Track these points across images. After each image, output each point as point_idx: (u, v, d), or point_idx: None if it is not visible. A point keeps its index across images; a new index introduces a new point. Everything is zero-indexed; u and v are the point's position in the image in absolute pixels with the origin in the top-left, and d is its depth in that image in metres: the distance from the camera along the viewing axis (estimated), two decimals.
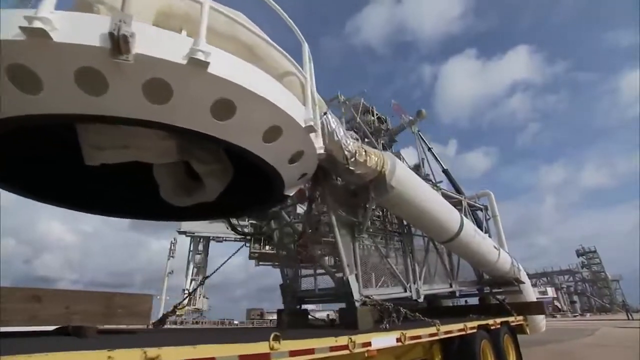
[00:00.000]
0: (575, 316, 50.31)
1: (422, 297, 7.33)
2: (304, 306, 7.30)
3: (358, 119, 10.35)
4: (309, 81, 4.57)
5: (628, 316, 36.10)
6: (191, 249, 42.39)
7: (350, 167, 5.61)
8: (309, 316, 7.44)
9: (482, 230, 11.07)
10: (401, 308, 5.72)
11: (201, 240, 43.07)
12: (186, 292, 40.93)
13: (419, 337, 5.18)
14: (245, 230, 8.11)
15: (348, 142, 5.58)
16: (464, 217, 7.65)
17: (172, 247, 42.77)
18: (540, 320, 10.04)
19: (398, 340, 4.76)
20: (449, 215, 7.13)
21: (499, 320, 7.59)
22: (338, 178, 6.44)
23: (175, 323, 33.61)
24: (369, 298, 5.69)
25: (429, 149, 49.51)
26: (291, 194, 5.59)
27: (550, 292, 59.43)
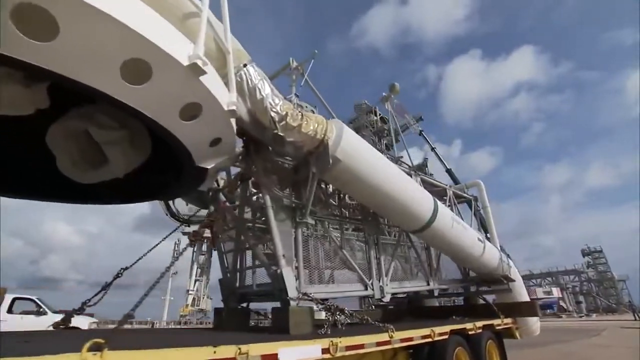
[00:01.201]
0: (581, 316, 48.00)
1: (387, 296, 5.96)
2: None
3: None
4: (205, 11, 3.35)
5: (635, 317, 33.87)
6: (195, 249, 41.40)
7: (280, 133, 4.34)
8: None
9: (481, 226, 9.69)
10: (347, 309, 4.39)
11: (205, 241, 42.08)
12: (190, 293, 40.09)
13: (359, 346, 3.85)
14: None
15: (275, 101, 4.30)
16: (439, 203, 6.26)
17: (176, 247, 41.86)
18: (534, 322, 8.56)
19: (325, 351, 3.44)
20: (418, 199, 5.79)
21: (480, 323, 6.19)
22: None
23: (179, 323, 32.67)
24: (308, 296, 4.36)
25: (432, 149, 47.42)
26: (209, 167, 4.31)
27: (556, 292, 57.02)
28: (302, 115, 4.53)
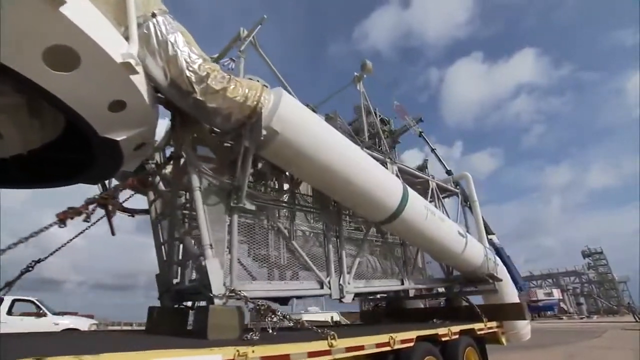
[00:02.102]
0: (581, 318, 46.44)
1: (348, 296, 5.04)
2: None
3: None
4: None
5: (636, 318, 32.43)
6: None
7: (200, 98, 3.46)
8: None
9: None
10: (280, 311, 3.50)
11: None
12: None
13: (283, 357, 2.93)
14: None
15: (193, 58, 3.43)
16: (410, 190, 5.34)
17: None
18: (523, 326, 7.57)
19: None
20: (383, 184, 4.88)
21: (456, 328, 5.24)
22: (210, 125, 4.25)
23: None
24: (237, 293, 3.49)
25: (432, 150, 46.17)
26: (119, 139, 3.48)
27: (556, 293, 55.51)
28: (229, 78, 3.65)
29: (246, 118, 3.79)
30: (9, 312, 10.17)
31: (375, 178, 4.79)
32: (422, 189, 7.96)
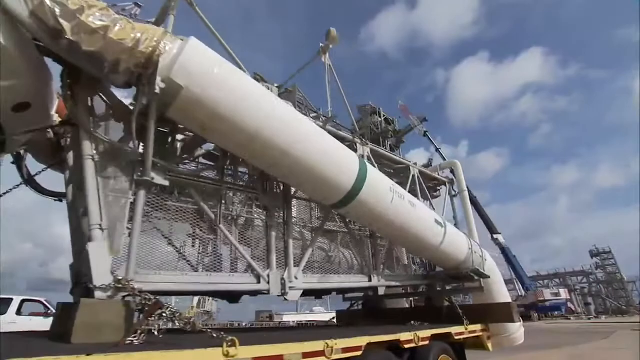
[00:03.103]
0: (589, 318, 44.49)
1: (294, 292, 4.16)
2: None
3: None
4: None
5: None
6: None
7: (72, 38, 2.62)
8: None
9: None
10: (172, 308, 2.63)
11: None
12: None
13: None
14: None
15: None
16: (370, 167, 4.43)
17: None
18: (515, 329, 6.53)
19: None
20: (331, 158, 3.97)
21: (426, 333, 4.29)
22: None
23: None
24: (124, 285, 2.64)
25: (437, 150, 44.79)
26: None
27: (564, 293, 53.39)
28: (116, 17, 2.80)
29: (141, 68, 2.93)
30: (18, 312, 10.26)
31: (322, 151, 3.89)
32: (406, 177, 7.04)
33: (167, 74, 2.86)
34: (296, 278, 4.31)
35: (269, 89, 4.67)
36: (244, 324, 41.15)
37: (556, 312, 46.52)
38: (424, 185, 7.29)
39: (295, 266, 4.35)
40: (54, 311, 10.08)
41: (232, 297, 4.98)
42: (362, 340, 3.45)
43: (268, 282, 3.99)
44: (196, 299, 41.07)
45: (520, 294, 47.72)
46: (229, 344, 2.45)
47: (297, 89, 5.50)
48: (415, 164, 7.26)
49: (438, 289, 6.53)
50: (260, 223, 5.30)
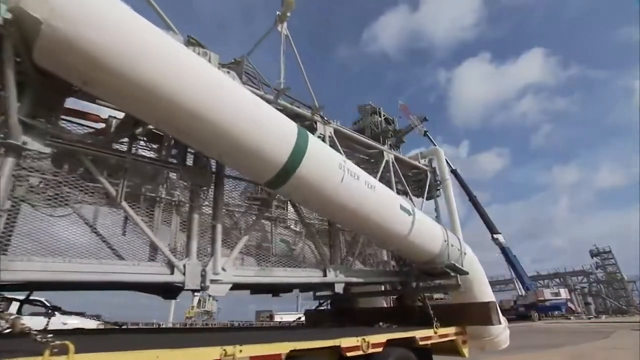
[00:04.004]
0: (589, 318, 43.18)
1: (220, 287, 3.33)
2: None
3: None
4: None
5: None
6: None
7: None
8: None
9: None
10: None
11: None
12: (196, 295, 37.97)
13: None
14: None
15: None
16: (313, 138, 3.60)
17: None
18: (499, 332, 5.64)
19: None
20: (256, 123, 3.12)
21: (377, 338, 3.43)
22: None
23: (185, 325, 31.03)
24: None
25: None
26: None
27: (564, 293, 52.04)
28: None
29: None
30: (19, 312, 9.60)
31: (247, 116, 3.06)
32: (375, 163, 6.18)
33: (16, 2, 2.07)
34: (224, 270, 3.49)
35: (206, 55, 3.90)
36: (241, 324, 40.37)
37: (556, 312, 45.30)
38: (400, 174, 6.42)
39: (224, 256, 3.52)
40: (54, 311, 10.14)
41: (167, 292, 4.15)
42: (282, 347, 2.61)
43: (183, 273, 3.17)
44: (196, 298, 40.38)
45: (520, 293, 46.85)
46: (53, 352, 1.64)
47: (245, 60, 4.67)
48: (390, 147, 6.40)
49: (413, 286, 5.64)
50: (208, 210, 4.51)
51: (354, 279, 4.68)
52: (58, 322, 10.52)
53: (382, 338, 3.49)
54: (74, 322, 10.11)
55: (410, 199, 6.69)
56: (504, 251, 45.02)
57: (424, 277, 5.39)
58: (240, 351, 2.39)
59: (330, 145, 5.09)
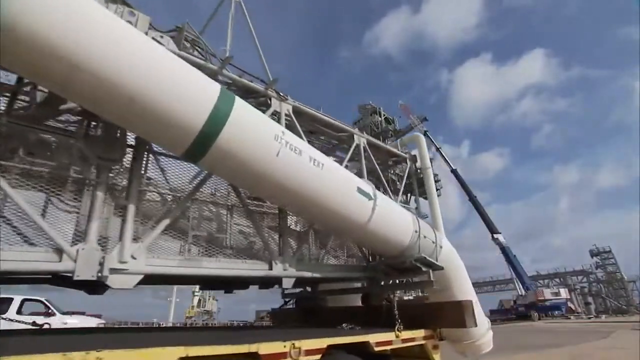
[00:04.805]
0: (589, 318, 42.07)
1: (118, 277, 2.67)
2: None
3: None
4: None
5: None
6: None
7: None
8: None
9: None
10: None
11: None
12: (196, 294, 37.66)
13: None
14: None
15: None
16: (240, 102, 2.93)
17: None
18: (480, 335, 4.91)
19: None
20: (163, 80, 2.44)
21: (313, 343, 2.72)
22: None
23: (185, 325, 30.59)
24: None
25: (438, 149, 43.01)
26: None
27: (564, 293, 50.91)
28: None
29: None
30: (19, 312, 9.98)
31: (152, 73, 2.40)
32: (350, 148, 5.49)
33: None
34: (134, 258, 2.83)
35: (133, 16, 3.26)
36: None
37: (556, 312, 44.30)
38: (373, 160, 5.72)
39: (135, 242, 2.87)
40: (54, 310, 10.48)
41: (92, 287, 3.50)
42: (168, 354, 1.93)
43: (75, 260, 2.51)
44: (196, 298, 39.92)
45: (520, 293, 45.98)
46: None
47: (187, 26, 4.02)
48: (363, 132, 5.69)
49: (382, 283, 4.93)
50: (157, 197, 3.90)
51: (307, 274, 3.98)
52: (58, 321, 10.28)
53: (320, 343, 2.80)
54: (74, 321, 10.71)
55: (387, 190, 5.99)
56: (504, 251, 44.25)
57: (393, 273, 4.68)
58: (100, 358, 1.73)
59: (288, 126, 4.44)
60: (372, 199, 3.82)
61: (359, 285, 5.55)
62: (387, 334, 3.51)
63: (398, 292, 4.61)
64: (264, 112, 4.42)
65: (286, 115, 4.62)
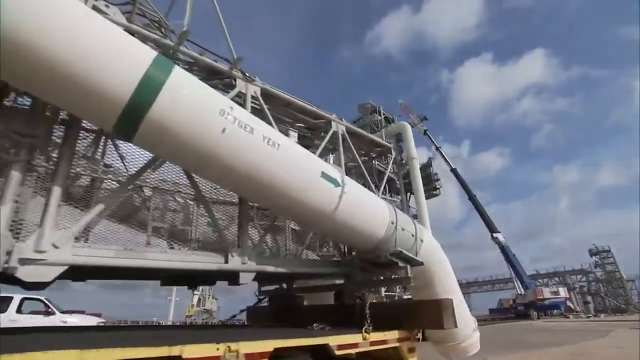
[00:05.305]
0: (588, 317, 41.48)
1: (34, 268, 2.26)
2: None
3: None
4: None
5: None
6: None
7: None
8: None
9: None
10: None
11: None
12: (196, 293, 37.30)
13: None
14: None
15: None
16: (183, 72, 2.51)
17: None
18: (466, 336, 4.49)
19: None
20: (83, 45, 2.05)
21: (248, 346, 2.31)
22: None
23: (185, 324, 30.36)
24: None
25: (437, 148, 42.47)
26: None
27: (563, 292, 50.32)
28: None
29: None
30: (19, 311, 9.79)
31: (69, 37, 2.01)
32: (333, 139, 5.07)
33: None
34: (55, 247, 2.43)
35: None
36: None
37: (555, 311, 43.79)
38: (353, 149, 5.30)
39: (60, 228, 2.47)
40: (54, 309, 10.22)
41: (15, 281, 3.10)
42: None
43: None
44: (195, 298, 39.58)
45: (519, 292, 45.49)
46: None
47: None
48: (342, 119, 5.27)
49: (358, 280, 4.50)
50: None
51: (270, 268, 3.57)
52: (58, 320, 10.14)
53: (264, 346, 2.39)
54: (73, 320, 10.48)
55: (372, 183, 5.57)
56: (504, 250, 43.77)
57: (370, 268, 4.26)
58: None
59: (255, 111, 4.05)
60: (340, 185, 3.41)
61: (341, 281, 5.14)
62: (352, 336, 3.10)
63: (373, 289, 4.18)
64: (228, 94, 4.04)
65: (254, 98, 4.23)
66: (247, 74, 4.16)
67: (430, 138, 46.31)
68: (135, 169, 3.45)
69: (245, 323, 6.02)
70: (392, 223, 3.99)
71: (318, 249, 5.14)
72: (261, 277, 3.99)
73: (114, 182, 3.54)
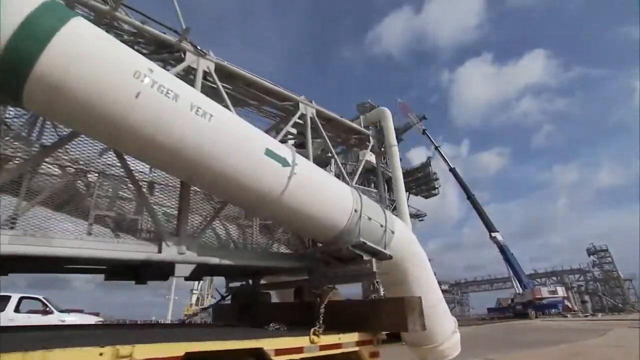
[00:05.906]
0: (586, 316, 41.00)
1: None
2: None
3: None
4: None
5: None
6: None
7: None
8: None
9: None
10: None
11: None
12: (194, 292, 36.94)
13: None
14: None
15: None
16: (81, 18, 2.05)
17: None
18: (444, 337, 4.02)
19: None
20: None
21: (147, 350, 1.83)
22: None
23: (184, 322, 29.72)
24: None
25: (436, 148, 42.13)
26: None
27: (561, 291, 49.81)
28: None
29: None
30: (17, 310, 9.72)
31: None
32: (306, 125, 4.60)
33: None
34: None
35: None
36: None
37: (553, 310, 43.36)
38: (324, 134, 4.83)
39: None
40: (52, 308, 10.08)
41: None
42: None
43: None
44: (194, 296, 39.15)
45: (517, 291, 45.19)
46: None
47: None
48: (311, 101, 4.80)
49: (317, 275, 4.02)
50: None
51: (214, 260, 3.10)
52: (56, 319, 10.01)
53: (172, 349, 1.93)
54: (71, 318, 10.37)
55: (345, 175, 5.11)
56: (502, 249, 43.39)
57: (335, 262, 3.79)
58: None
59: (209, 90, 3.60)
60: (289, 165, 2.94)
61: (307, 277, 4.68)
62: (294, 339, 2.63)
63: (333, 286, 3.70)
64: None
65: (207, 74, 3.77)
66: (198, 47, 3.71)
67: (429, 137, 45.78)
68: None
69: (210, 322, 5.56)
70: (356, 211, 3.52)
71: (290, 242, 4.69)
72: (204, 270, 3.51)
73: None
